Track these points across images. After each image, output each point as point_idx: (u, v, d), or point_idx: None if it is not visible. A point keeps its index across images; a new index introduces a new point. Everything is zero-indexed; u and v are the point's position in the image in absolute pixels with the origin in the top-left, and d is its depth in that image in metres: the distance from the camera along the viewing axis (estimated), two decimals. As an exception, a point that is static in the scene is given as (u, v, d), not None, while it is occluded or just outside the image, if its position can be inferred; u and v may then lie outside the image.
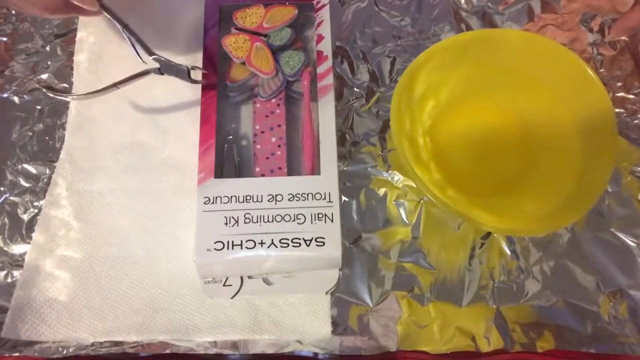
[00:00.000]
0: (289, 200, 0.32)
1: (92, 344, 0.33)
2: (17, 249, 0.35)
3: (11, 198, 0.37)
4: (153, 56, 0.35)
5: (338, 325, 0.33)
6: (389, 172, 0.38)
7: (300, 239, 0.31)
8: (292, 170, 0.35)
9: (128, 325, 0.33)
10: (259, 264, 0.31)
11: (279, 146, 0.35)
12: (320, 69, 0.36)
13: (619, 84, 0.41)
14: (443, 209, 0.32)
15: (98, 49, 0.41)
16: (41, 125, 0.39)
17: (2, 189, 0.37)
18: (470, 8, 0.44)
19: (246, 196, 0.32)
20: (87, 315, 0.33)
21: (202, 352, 0.33)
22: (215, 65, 0.37)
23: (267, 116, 0.36)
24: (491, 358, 0.33)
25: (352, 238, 0.36)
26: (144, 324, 0.33)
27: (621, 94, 0.40)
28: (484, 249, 0.35)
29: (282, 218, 0.31)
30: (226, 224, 0.31)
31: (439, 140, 0.38)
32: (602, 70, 0.41)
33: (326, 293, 0.34)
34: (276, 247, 0.31)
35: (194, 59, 0.40)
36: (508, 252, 0.35)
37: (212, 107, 0.35)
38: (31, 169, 0.38)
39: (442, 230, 0.36)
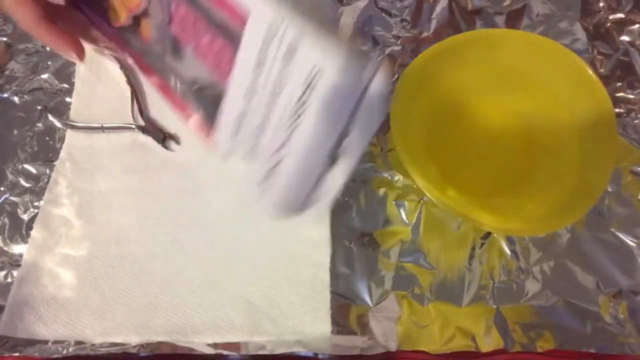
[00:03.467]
0: None
1: (92, 344, 0.33)
2: (17, 249, 0.35)
3: (11, 198, 0.37)
4: (144, 117, 0.38)
5: (338, 325, 0.33)
6: (389, 172, 0.38)
7: None
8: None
9: (127, 326, 0.33)
10: None
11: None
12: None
13: (619, 84, 0.41)
14: (443, 209, 0.32)
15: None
16: (41, 125, 0.39)
17: (2, 189, 0.37)
18: (470, 8, 0.44)
19: None
20: (86, 314, 0.33)
21: (201, 352, 0.33)
22: None
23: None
24: (491, 358, 0.33)
25: (352, 238, 0.36)
26: (143, 324, 0.33)
27: (621, 94, 0.40)
28: (484, 249, 0.35)
29: None
30: None
31: (439, 141, 0.38)
32: (602, 70, 0.41)
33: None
34: None
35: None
36: (508, 252, 0.35)
37: None
38: (31, 169, 0.38)
39: (442, 230, 0.36)
